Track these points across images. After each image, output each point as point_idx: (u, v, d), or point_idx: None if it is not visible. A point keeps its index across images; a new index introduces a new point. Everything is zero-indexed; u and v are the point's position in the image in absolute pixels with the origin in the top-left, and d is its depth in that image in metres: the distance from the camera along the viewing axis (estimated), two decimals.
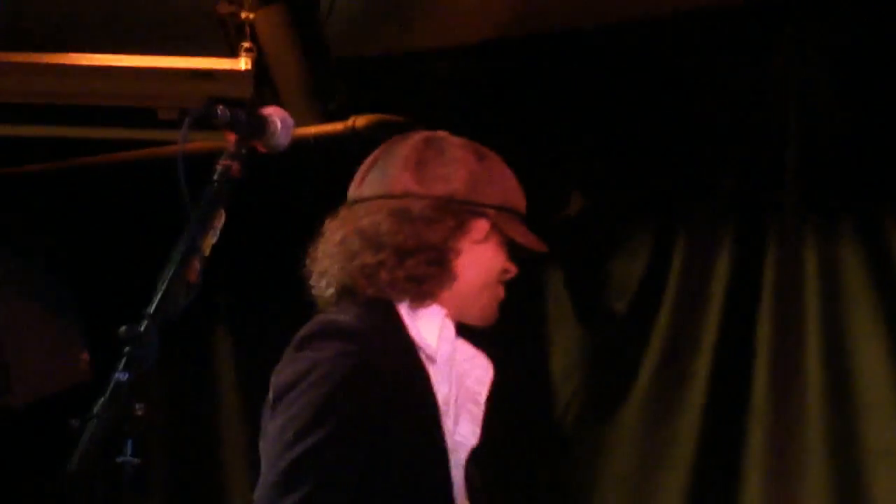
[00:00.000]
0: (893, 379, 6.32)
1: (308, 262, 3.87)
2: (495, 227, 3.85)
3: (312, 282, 3.89)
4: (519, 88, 6.75)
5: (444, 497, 3.79)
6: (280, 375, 3.70)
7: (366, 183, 3.86)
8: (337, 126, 6.11)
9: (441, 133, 3.91)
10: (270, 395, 3.72)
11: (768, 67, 6.55)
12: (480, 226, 3.83)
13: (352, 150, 5.33)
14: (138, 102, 6.19)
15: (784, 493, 6.51)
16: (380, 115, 6.21)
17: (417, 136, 3.91)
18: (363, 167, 3.89)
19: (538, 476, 7.14)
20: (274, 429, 3.67)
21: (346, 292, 3.87)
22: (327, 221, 3.83)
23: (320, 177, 5.45)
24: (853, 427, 6.41)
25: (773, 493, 6.55)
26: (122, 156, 6.51)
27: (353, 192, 3.88)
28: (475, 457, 3.88)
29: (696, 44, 6.49)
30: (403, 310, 3.83)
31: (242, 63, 5.96)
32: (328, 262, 3.85)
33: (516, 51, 6.60)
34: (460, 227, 3.82)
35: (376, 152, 3.89)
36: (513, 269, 3.91)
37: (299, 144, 4.03)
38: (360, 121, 6.10)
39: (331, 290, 3.88)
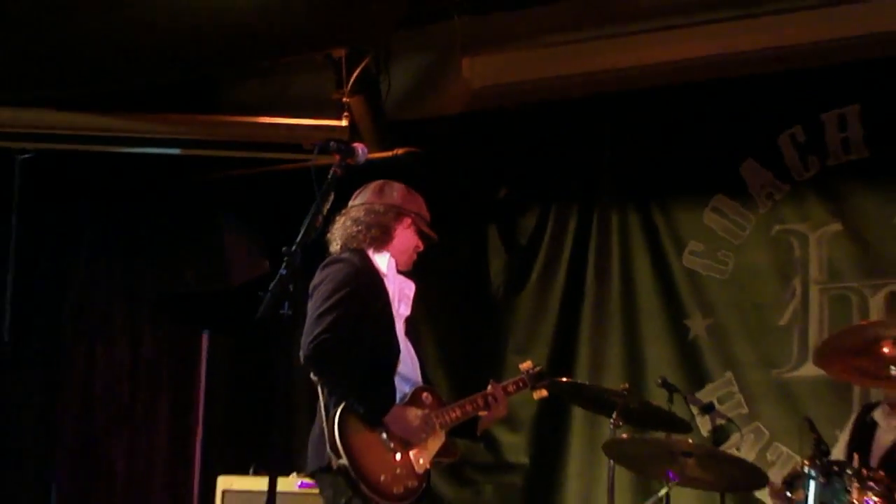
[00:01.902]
0: (662, 303, 8.77)
1: (328, 232, 6.06)
2: (413, 223, 6.22)
3: (330, 241, 6.12)
4: (481, 141, 8.97)
5: (393, 340, 6.03)
6: (315, 280, 5.95)
7: (356, 198, 6.21)
8: (387, 153, 8.48)
9: (392, 181, 6.29)
10: (311, 289, 5.93)
11: (600, 130, 8.91)
12: (407, 221, 6.21)
13: (396, 165, 8.13)
14: (296, 140, 8.53)
15: (599, 360, 8.88)
16: (407, 149, 8.62)
17: (380, 181, 6.31)
18: (357, 192, 6.22)
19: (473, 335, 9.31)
20: (311, 303, 5.88)
21: (344, 245, 6.14)
22: (337, 216, 6.09)
23: (378, 178, 6.49)
24: (638, 343, 8.83)
25: (593, 374, 8.79)
26: (286, 166, 8.83)
27: (351, 202, 6.20)
28: (409, 324, 6.22)
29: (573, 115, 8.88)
30: (370, 253, 6.12)
31: (344, 121, 8.43)
32: (338, 232, 6.15)
33: (480, 118, 8.93)
34: (397, 219, 6.18)
35: (362, 187, 6.25)
36: (420, 245, 6.29)
37: (370, 162, 5.65)
38: (399, 151, 8.58)
39: (336, 245, 6.14)
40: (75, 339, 9.43)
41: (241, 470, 8.04)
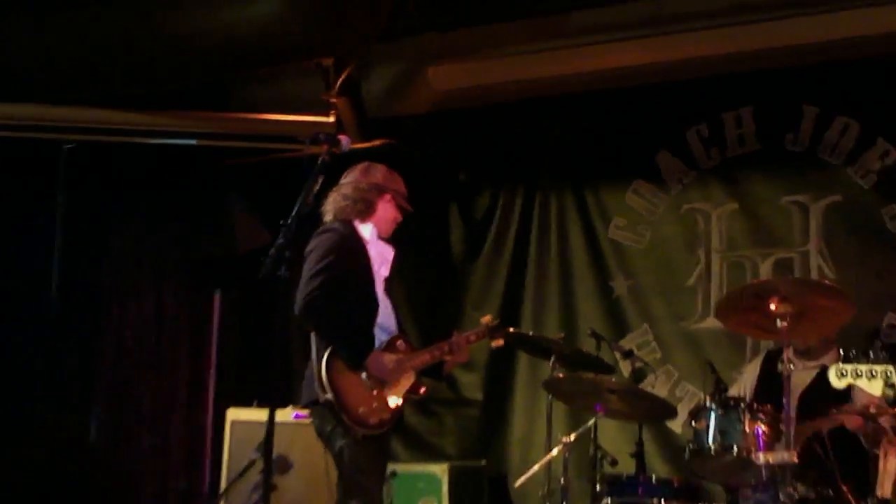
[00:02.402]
0: (591, 268, 8.71)
1: (322, 206, 6.08)
2: (392, 198, 6.21)
3: (324, 213, 6.12)
4: (444, 135, 8.93)
5: (373, 297, 6.03)
6: (309, 246, 5.95)
7: (346, 177, 6.19)
8: (367, 144, 8.22)
9: (376, 164, 6.31)
10: (305, 254, 5.91)
11: (541, 127, 8.88)
12: (387, 196, 6.20)
13: (374, 154, 7.43)
14: (291, 133, 8.48)
15: (540, 314, 8.84)
16: (384, 140, 8.46)
17: (366, 163, 6.30)
18: (346, 172, 6.23)
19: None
20: (305, 266, 5.88)
21: (335, 217, 6.13)
22: (330, 192, 6.08)
23: (358, 162, 6.45)
24: (572, 300, 8.82)
25: (535, 325, 8.72)
26: (283, 155, 8.67)
27: (341, 180, 6.19)
28: (388, 283, 6.19)
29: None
30: (356, 223, 6.11)
31: (331, 118, 8.35)
32: (330, 205, 6.14)
33: (443, 116, 8.86)
34: (378, 195, 6.17)
35: (351, 168, 6.27)
36: (399, 216, 6.26)
37: (352, 151, 5.82)
38: (376, 142, 8.36)
39: (329, 216, 6.13)
40: (111, 297, 9.42)
41: (247, 403, 8.03)
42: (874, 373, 5.08)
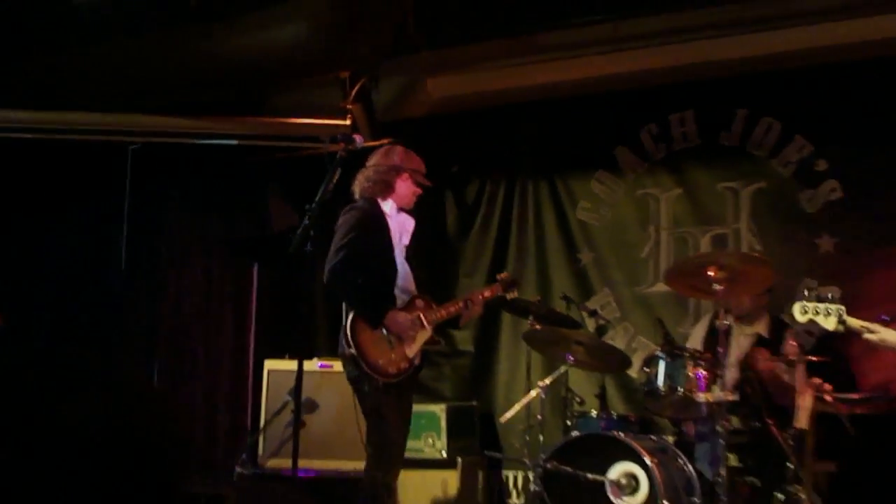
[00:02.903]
0: (562, 243, 8.60)
1: (352, 186, 6.04)
2: (410, 176, 6.08)
3: (353, 192, 6.06)
4: (440, 134, 8.69)
5: (392, 264, 5.92)
6: (338, 222, 5.89)
7: (370, 160, 6.12)
8: (377, 143, 7.35)
9: (395, 145, 6.32)
10: (335, 229, 5.88)
11: (521, 128, 8.82)
12: (404, 175, 6.07)
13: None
14: (314, 134, 8.51)
15: (520, 281, 8.52)
16: (390, 139, 7.62)
17: (387, 146, 6.31)
18: (371, 155, 6.17)
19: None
20: (333, 240, 5.85)
21: (360, 195, 6.05)
22: (358, 174, 6.07)
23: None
24: (546, 270, 8.70)
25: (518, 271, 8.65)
26: (308, 151, 8.63)
27: (367, 162, 6.13)
28: (409, 250, 6.07)
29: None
30: (379, 200, 6.02)
31: (347, 121, 8.19)
32: (357, 185, 6.07)
33: (439, 119, 8.72)
34: (397, 174, 6.06)
35: (375, 151, 6.22)
36: (419, 190, 6.13)
37: (364, 149, 5.99)
38: (385, 141, 7.40)
39: (357, 195, 6.07)
40: (168, 268, 9.45)
41: (280, 356, 8.02)
42: (829, 311, 5.32)
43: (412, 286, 6.07)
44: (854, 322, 5.36)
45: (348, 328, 5.78)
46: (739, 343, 6.85)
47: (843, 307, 5.32)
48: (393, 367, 5.77)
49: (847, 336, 6.88)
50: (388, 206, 6.07)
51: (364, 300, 5.84)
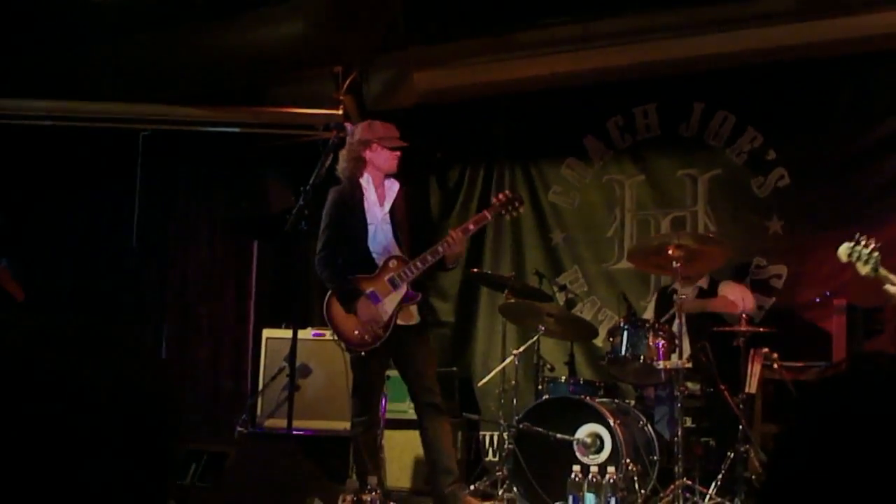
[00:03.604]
0: (536, 223, 8.52)
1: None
2: (378, 144, 5.83)
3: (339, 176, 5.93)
4: (425, 124, 8.45)
5: (363, 236, 5.80)
6: None
7: (353, 134, 5.92)
8: None
9: (360, 123, 6.14)
10: None
11: (498, 118, 8.73)
12: (373, 146, 5.86)
13: None
14: (309, 122, 8.48)
15: (497, 258, 8.70)
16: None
17: (368, 120, 6.13)
18: (352, 129, 5.98)
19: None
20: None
21: (342, 176, 5.95)
22: (342, 151, 5.90)
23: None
24: (521, 248, 8.63)
25: (493, 266, 8.67)
26: (304, 138, 8.52)
27: (349, 139, 5.90)
28: (394, 213, 5.87)
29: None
30: (357, 177, 5.90)
31: (340, 111, 8.17)
32: (339, 170, 5.95)
33: (425, 109, 8.46)
34: (364, 148, 5.86)
35: (357, 125, 6.09)
36: (395, 154, 5.89)
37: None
38: None
39: (340, 173, 5.94)
40: (176, 245, 9.42)
41: (277, 325, 8.04)
42: (869, 259, 5.55)
43: (394, 248, 5.89)
44: (884, 272, 5.56)
45: (325, 305, 5.80)
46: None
47: (879, 257, 5.55)
48: (369, 335, 5.70)
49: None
50: (366, 180, 5.95)
51: (341, 288, 5.79)
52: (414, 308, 5.93)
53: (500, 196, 6.13)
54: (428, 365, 5.91)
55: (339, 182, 6.04)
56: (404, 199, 6.02)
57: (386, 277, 5.80)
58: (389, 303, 5.79)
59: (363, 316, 5.67)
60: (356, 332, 5.67)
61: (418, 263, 5.80)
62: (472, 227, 5.98)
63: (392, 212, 5.94)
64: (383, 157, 5.93)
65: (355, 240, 5.85)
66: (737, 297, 6.69)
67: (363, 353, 5.72)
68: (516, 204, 6.06)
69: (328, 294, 5.80)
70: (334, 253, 5.81)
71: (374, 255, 5.83)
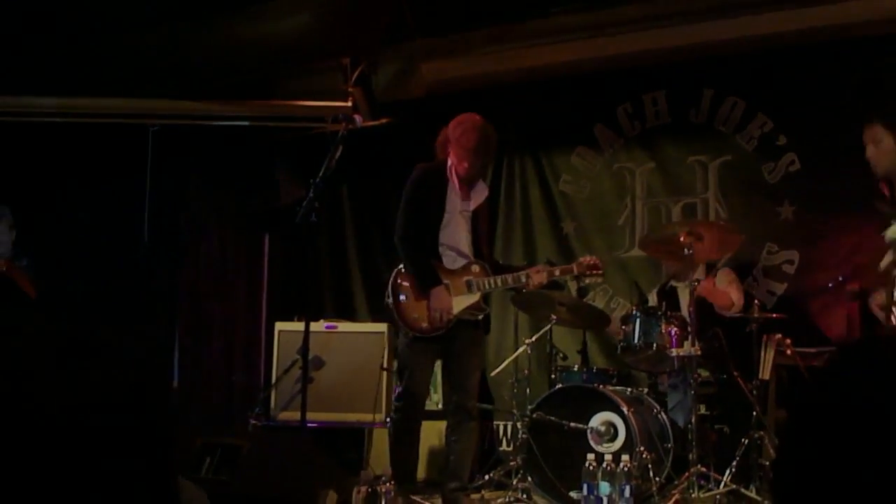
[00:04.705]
0: (546, 213, 8.57)
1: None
2: (452, 146, 5.74)
3: None
4: (433, 114, 7.44)
5: (439, 219, 5.66)
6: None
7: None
8: (376, 122, 7.97)
9: (458, 118, 5.86)
10: None
11: (509, 108, 8.40)
12: (450, 145, 5.76)
13: (381, 130, 8.16)
14: (319, 115, 8.26)
15: (508, 248, 8.70)
16: (388, 119, 8.29)
17: (455, 119, 5.86)
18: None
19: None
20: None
21: (438, 147, 5.88)
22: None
23: (371, 139, 7.46)
24: (532, 237, 8.68)
25: (504, 256, 8.65)
26: (314, 131, 8.36)
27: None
28: (477, 216, 5.75)
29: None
30: (447, 160, 5.78)
31: (349, 103, 7.95)
32: (441, 139, 5.85)
33: (432, 100, 8.41)
34: (448, 142, 5.80)
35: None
36: (463, 160, 5.69)
37: (364, 128, 6.00)
38: (383, 121, 8.18)
39: (438, 147, 5.84)
40: (188, 239, 9.33)
41: (290, 318, 8.01)
42: None
43: (465, 248, 5.77)
44: None
45: (392, 278, 5.72)
46: (685, 296, 6.97)
47: None
48: (426, 323, 5.61)
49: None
50: (450, 170, 5.85)
51: (425, 272, 5.65)
52: (479, 314, 5.85)
53: (589, 259, 6.06)
54: (474, 369, 5.85)
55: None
56: (488, 207, 6.00)
57: (465, 278, 5.75)
58: (458, 304, 5.72)
59: (435, 303, 5.57)
60: (416, 317, 5.59)
61: (499, 282, 5.78)
62: (557, 273, 5.98)
63: (476, 214, 5.84)
64: (454, 160, 5.81)
65: (428, 223, 5.74)
66: (733, 292, 6.88)
67: (413, 337, 5.64)
68: (596, 272, 6.01)
69: (397, 270, 5.71)
70: (420, 232, 5.70)
71: (441, 246, 5.75)
